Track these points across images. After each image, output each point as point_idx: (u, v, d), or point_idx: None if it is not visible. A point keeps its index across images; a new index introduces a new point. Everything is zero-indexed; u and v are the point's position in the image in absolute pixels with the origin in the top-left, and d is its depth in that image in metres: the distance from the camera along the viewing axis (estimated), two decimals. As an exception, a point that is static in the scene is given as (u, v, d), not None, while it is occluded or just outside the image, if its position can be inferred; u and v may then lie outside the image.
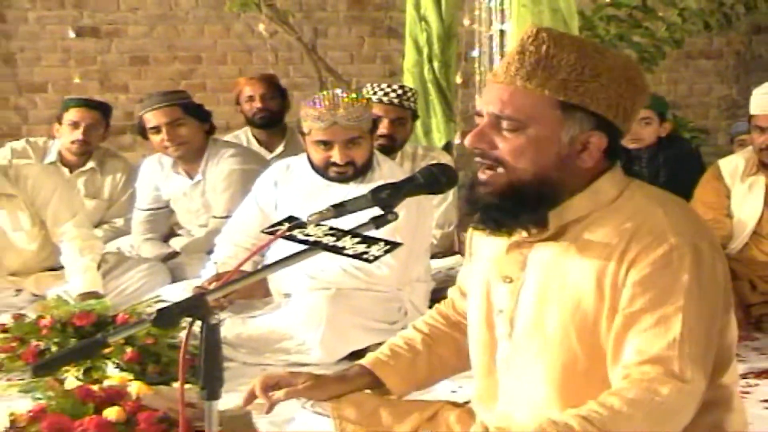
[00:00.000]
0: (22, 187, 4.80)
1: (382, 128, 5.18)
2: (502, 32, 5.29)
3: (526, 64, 2.13)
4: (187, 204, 5.52)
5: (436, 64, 6.34)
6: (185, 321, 2.00)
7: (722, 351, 2.16)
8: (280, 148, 6.08)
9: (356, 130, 4.21)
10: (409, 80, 6.31)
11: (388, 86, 5.41)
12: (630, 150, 5.45)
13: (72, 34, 7.73)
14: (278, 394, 2.43)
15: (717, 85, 8.97)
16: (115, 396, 2.94)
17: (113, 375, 3.50)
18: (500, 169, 2.15)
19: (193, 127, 5.29)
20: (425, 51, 6.35)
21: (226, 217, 5.07)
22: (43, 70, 7.73)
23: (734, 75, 8.93)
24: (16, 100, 7.72)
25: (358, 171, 4.28)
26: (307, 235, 2.19)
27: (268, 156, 6.01)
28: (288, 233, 2.20)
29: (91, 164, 5.78)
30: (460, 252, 5.32)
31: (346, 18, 8.20)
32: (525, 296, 2.20)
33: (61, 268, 4.83)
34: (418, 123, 5.86)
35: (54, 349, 3.81)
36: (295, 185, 4.44)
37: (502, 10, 5.26)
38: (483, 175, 2.17)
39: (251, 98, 6.10)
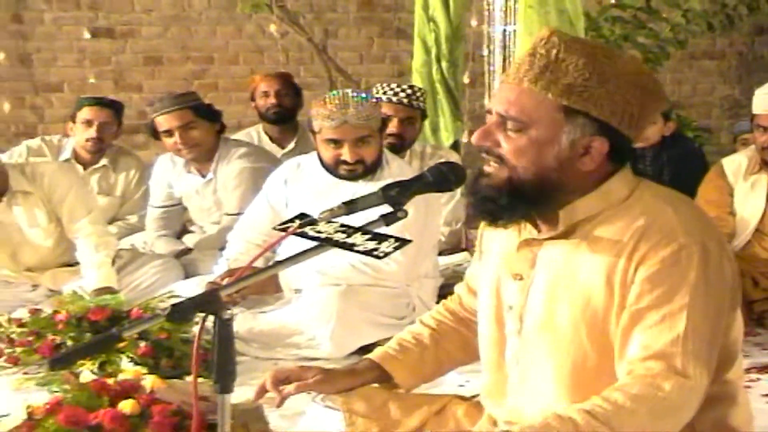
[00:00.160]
0: (38, 185, 4.80)
1: (392, 127, 5.18)
2: (509, 33, 5.28)
3: (535, 66, 2.13)
4: (199, 202, 5.53)
5: (444, 64, 6.34)
6: (198, 316, 2.01)
7: (728, 347, 2.16)
8: (291, 145, 6.09)
9: (366, 129, 4.21)
10: (417, 80, 6.31)
11: (398, 86, 5.41)
12: (635, 149, 5.43)
13: (87, 35, 7.74)
14: (289, 387, 2.43)
15: (720, 85, 8.95)
16: (130, 389, 2.94)
17: (127, 369, 3.50)
18: (502, 167, 2.15)
19: (205, 128, 5.29)
20: (433, 51, 6.34)
21: (238, 214, 5.07)
22: (59, 70, 7.74)
23: (737, 75, 8.91)
24: (32, 100, 7.73)
25: (368, 169, 4.28)
26: (318, 231, 2.20)
27: (280, 152, 6.02)
28: (299, 230, 2.20)
29: (104, 162, 5.78)
30: (467, 249, 5.32)
31: (356, 19, 8.19)
32: (535, 293, 2.20)
33: (77, 264, 4.84)
34: (427, 122, 5.85)
35: (70, 343, 3.81)
36: (305, 183, 4.43)
37: (509, 11, 5.26)
38: (488, 168, 2.18)
39: (266, 94, 6.11)
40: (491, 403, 2.36)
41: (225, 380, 1.99)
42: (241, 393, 2.20)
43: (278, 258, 4.15)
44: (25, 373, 3.76)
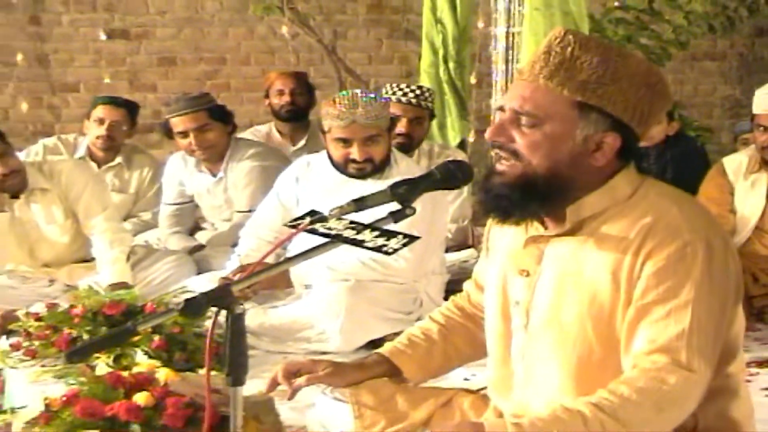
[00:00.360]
0: (56, 182, 4.81)
1: (401, 127, 5.17)
2: (515, 34, 5.27)
3: (550, 63, 2.14)
4: (210, 200, 5.53)
5: (451, 65, 6.33)
6: (211, 310, 2.01)
7: (730, 342, 2.17)
8: (302, 142, 6.09)
9: (374, 128, 4.21)
10: (425, 80, 6.30)
11: (407, 86, 5.40)
12: (639, 147, 5.42)
13: (103, 36, 7.74)
14: (300, 380, 2.44)
15: (721, 85, 8.93)
16: (144, 382, 2.93)
17: (142, 362, 3.50)
18: (516, 162, 2.15)
19: (219, 130, 5.30)
20: (441, 52, 6.34)
21: (248, 211, 5.07)
22: (76, 71, 7.74)
23: (737, 76, 8.89)
24: (49, 99, 7.73)
25: (377, 167, 4.28)
26: (329, 228, 2.20)
27: (290, 149, 6.02)
28: (310, 227, 2.20)
29: (118, 160, 5.79)
30: (474, 246, 5.32)
31: (365, 21, 8.18)
32: (541, 289, 2.20)
33: (93, 259, 4.85)
34: (434, 121, 5.84)
35: (85, 336, 3.81)
36: (315, 181, 4.43)
37: (515, 13, 5.25)
38: (500, 166, 2.18)
39: (281, 93, 6.11)
40: (498, 396, 2.37)
41: (237, 373, 1.99)
42: (253, 386, 2.20)
43: (289, 254, 4.15)
44: (43, 366, 3.76)
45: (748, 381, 3.55)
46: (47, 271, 4.88)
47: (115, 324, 3.79)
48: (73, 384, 3.12)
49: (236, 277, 4.05)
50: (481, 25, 6.26)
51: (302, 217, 2.27)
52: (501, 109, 2.21)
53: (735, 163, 5.02)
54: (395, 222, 2.17)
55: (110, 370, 3.29)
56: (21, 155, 5.18)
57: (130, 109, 5.83)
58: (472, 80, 6.32)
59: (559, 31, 2.19)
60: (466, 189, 5.23)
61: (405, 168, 4.31)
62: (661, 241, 2.07)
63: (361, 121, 4.17)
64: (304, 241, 2.62)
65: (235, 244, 4.81)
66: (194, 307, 1.99)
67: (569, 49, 2.14)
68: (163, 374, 3.05)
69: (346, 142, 4.23)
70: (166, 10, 7.86)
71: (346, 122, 4.18)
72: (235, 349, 1.98)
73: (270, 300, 4.38)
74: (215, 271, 4.82)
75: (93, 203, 4.84)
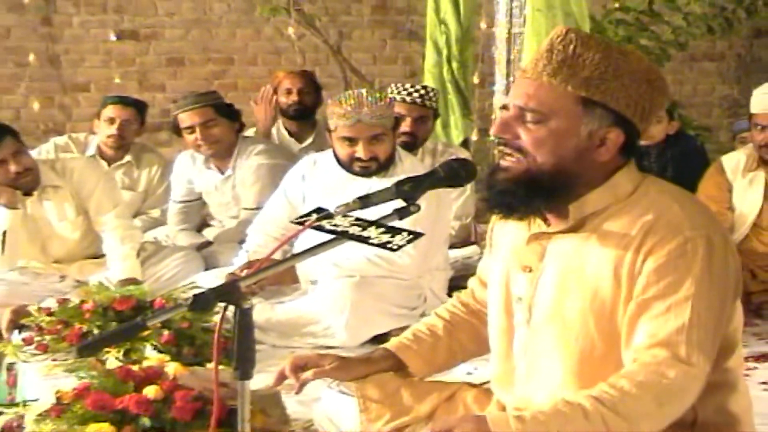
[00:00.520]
0: (68, 179, 4.81)
1: (405, 126, 5.17)
2: (517, 35, 5.27)
3: (553, 61, 2.13)
4: (218, 197, 5.53)
5: (454, 65, 6.33)
6: (219, 306, 2.01)
7: (729, 337, 2.17)
8: (309, 140, 6.08)
9: (379, 127, 4.21)
10: (429, 80, 6.30)
11: (411, 86, 5.39)
12: (640, 146, 5.43)
13: (113, 37, 7.74)
14: (307, 374, 2.44)
15: (719, 85, 8.92)
16: (153, 375, 2.94)
17: (151, 356, 3.50)
18: (521, 158, 2.15)
19: (225, 126, 5.30)
20: (444, 52, 6.33)
21: (256, 208, 5.07)
22: (86, 71, 7.75)
23: (735, 76, 8.88)
24: (60, 99, 7.74)
25: (381, 166, 4.27)
26: (335, 225, 2.20)
27: (297, 147, 6.02)
28: (316, 223, 2.20)
29: (128, 158, 5.79)
30: (477, 242, 5.31)
31: (370, 22, 8.18)
32: (544, 285, 2.20)
33: (103, 256, 4.85)
34: (438, 120, 5.84)
35: (96, 331, 3.81)
36: (321, 179, 4.43)
37: (517, 14, 5.24)
38: (504, 162, 2.18)
39: (289, 92, 6.10)
40: (500, 390, 2.36)
41: (245, 367, 1.99)
42: (260, 380, 2.20)
43: (295, 251, 4.15)
44: (54, 360, 3.76)
45: (747, 375, 3.55)
46: (58, 267, 4.88)
47: (125, 319, 3.79)
48: (83, 378, 3.12)
49: (244, 273, 4.05)
50: (483, 25, 6.25)
51: (309, 214, 2.27)
52: (505, 107, 2.21)
53: (733, 161, 5.02)
54: (400, 219, 2.17)
55: (120, 364, 3.29)
56: (33, 153, 5.17)
57: (139, 108, 5.84)
58: (475, 80, 6.32)
59: (561, 30, 2.19)
60: (469, 187, 5.22)
61: (409, 166, 4.30)
62: (662, 237, 2.07)
63: (367, 120, 4.17)
64: (310, 237, 2.62)
65: (242, 241, 4.81)
66: (203, 302, 1.99)
67: (571, 46, 2.14)
68: (172, 368, 3.06)
69: (351, 140, 4.22)
70: (175, 12, 7.86)
71: (352, 121, 4.17)
72: (242, 343, 1.98)
73: (277, 296, 4.38)
74: (223, 267, 4.82)
75: (104, 200, 4.84)
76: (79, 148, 5.86)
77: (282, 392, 2.84)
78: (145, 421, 2.74)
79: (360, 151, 4.21)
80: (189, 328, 3.71)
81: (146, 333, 3.55)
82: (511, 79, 5.25)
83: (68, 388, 2.94)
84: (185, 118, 5.24)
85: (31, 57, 7.49)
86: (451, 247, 4.93)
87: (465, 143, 6.27)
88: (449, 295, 4.29)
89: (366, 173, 4.26)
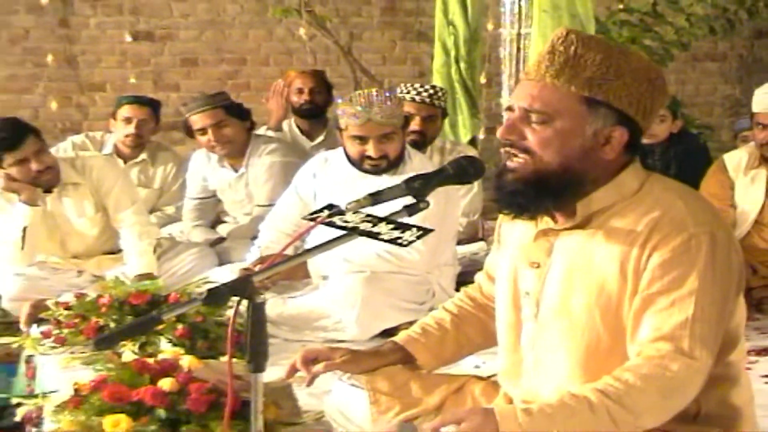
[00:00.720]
0: (87, 177, 4.82)
1: (414, 125, 5.17)
2: (524, 36, 5.26)
3: (556, 62, 2.13)
4: (232, 194, 5.54)
5: (462, 65, 6.31)
6: (233, 300, 2.01)
7: (731, 331, 2.17)
8: (320, 138, 6.08)
9: (389, 126, 4.20)
10: (437, 80, 6.29)
11: (421, 86, 5.39)
12: (644, 145, 5.42)
13: (128, 38, 7.75)
14: (318, 367, 2.44)
15: (721, 85, 8.89)
16: (169, 368, 2.94)
17: (166, 349, 3.50)
18: (528, 159, 2.14)
19: (236, 126, 5.31)
20: (452, 53, 6.33)
21: (268, 205, 5.08)
22: (102, 71, 7.75)
23: (737, 76, 8.85)
24: (77, 99, 7.74)
25: (391, 164, 4.27)
26: (346, 221, 2.20)
27: (309, 144, 6.03)
28: (328, 219, 2.20)
29: (143, 156, 5.80)
30: (484, 238, 5.31)
31: (380, 23, 8.17)
32: (551, 280, 2.20)
33: (120, 251, 4.85)
34: (446, 119, 5.83)
35: (112, 325, 3.81)
36: (332, 177, 4.43)
37: (523, 15, 5.24)
38: (511, 163, 2.17)
39: (300, 91, 6.10)
40: (508, 383, 2.36)
41: (258, 360, 1.99)
42: (272, 373, 2.20)
43: (307, 246, 4.15)
44: (72, 353, 3.77)
45: (748, 369, 3.54)
46: (76, 262, 4.89)
47: (141, 313, 3.80)
48: (101, 370, 3.13)
49: (257, 268, 4.05)
50: (490, 27, 6.24)
51: (320, 211, 2.27)
52: (510, 109, 2.20)
53: (735, 159, 5.00)
54: (409, 215, 2.17)
55: (136, 357, 3.29)
56: (51, 151, 5.18)
57: (155, 107, 5.85)
58: (482, 80, 6.32)
59: (562, 32, 2.19)
60: (476, 184, 5.22)
61: (418, 164, 4.30)
62: (667, 234, 2.07)
63: (377, 119, 4.16)
64: (321, 233, 2.61)
65: (255, 237, 4.81)
66: (217, 296, 1.99)
67: (572, 47, 2.13)
68: (186, 361, 3.06)
69: (362, 139, 4.22)
70: (189, 13, 7.87)
71: (362, 120, 4.17)
72: (255, 337, 1.98)
73: (289, 290, 4.38)
74: (236, 262, 4.83)
75: (123, 197, 4.84)
76: (96, 146, 5.87)
77: (294, 385, 2.84)
78: (161, 413, 2.74)
79: (370, 149, 4.21)
80: (203, 322, 3.71)
81: (161, 327, 3.56)
82: (518, 77, 5.24)
83: (86, 380, 2.95)
84: (197, 120, 5.25)
85: (49, 57, 7.51)
86: (459, 243, 4.93)
87: (473, 141, 6.27)
88: (457, 290, 4.28)
89: (376, 171, 4.26)
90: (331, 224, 2.20)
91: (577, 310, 2.15)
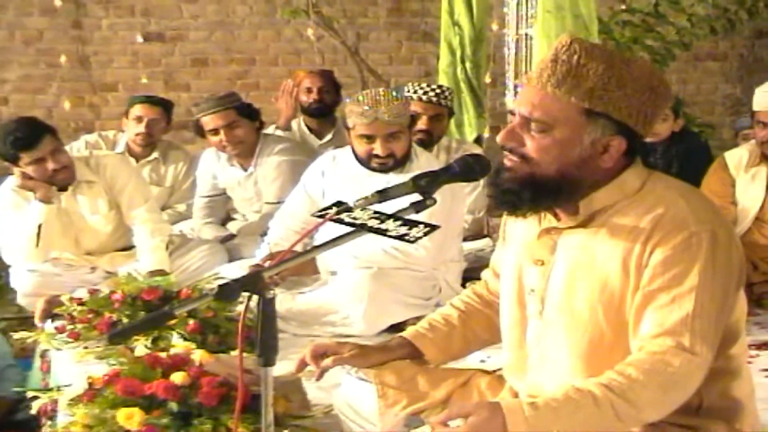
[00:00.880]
0: (101, 175, 4.83)
1: (421, 124, 5.17)
2: (528, 36, 5.25)
3: (558, 72, 2.12)
4: (241, 192, 5.55)
5: (467, 65, 6.31)
6: (243, 295, 2.01)
7: (732, 326, 2.17)
8: (329, 137, 6.08)
9: (396, 125, 4.20)
10: (443, 80, 6.29)
11: (428, 86, 5.39)
12: (646, 143, 5.42)
13: (140, 39, 7.76)
14: (327, 361, 2.44)
15: (722, 84, 8.88)
16: (180, 362, 2.94)
17: (178, 344, 3.51)
18: (524, 164, 2.14)
19: (247, 126, 5.32)
20: (458, 53, 6.32)
21: (277, 203, 5.08)
22: (115, 72, 7.76)
23: (738, 76, 8.84)
24: (90, 98, 7.75)
25: (398, 162, 4.27)
26: (354, 218, 2.19)
27: (317, 143, 6.03)
28: (336, 216, 2.20)
29: (155, 155, 5.81)
30: (489, 235, 5.30)
31: (386, 24, 8.17)
32: (555, 278, 2.20)
33: (132, 248, 4.86)
34: (452, 118, 5.83)
35: (125, 320, 3.83)
36: (340, 175, 4.43)
37: (527, 16, 5.22)
38: (508, 162, 2.17)
39: (309, 90, 6.10)
40: (513, 378, 2.37)
41: (268, 354, 1.99)
42: (282, 367, 2.20)
43: (316, 243, 4.15)
44: (86, 348, 3.78)
45: (749, 362, 3.52)
46: (89, 259, 4.89)
47: (153, 309, 3.81)
48: (114, 364, 3.14)
49: (266, 265, 4.06)
50: (495, 27, 6.23)
51: (329, 208, 2.27)
52: (512, 112, 2.21)
53: (736, 157, 4.99)
54: (417, 212, 2.17)
55: (148, 351, 3.30)
56: (64, 151, 5.20)
57: (166, 107, 5.86)
58: (487, 80, 6.30)
59: (565, 40, 2.17)
60: (482, 182, 5.20)
61: (425, 162, 4.30)
62: (668, 231, 2.07)
63: (384, 118, 4.16)
64: (330, 230, 2.62)
65: (264, 234, 4.81)
66: (228, 292, 2.00)
67: (575, 57, 2.12)
68: (198, 355, 3.06)
69: (369, 138, 4.22)
70: (199, 15, 7.88)
71: (369, 120, 4.17)
72: (265, 331, 1.98)
73: (298, 286, 4.38)
74: (246, 258, 4.83)
75: (136, 195, 4.85)
76: (109, 145, 5.88)
77: (303, 379, 2.84)
78: (173, 406, 2.75)
79: (377, 148, 4.21)
80: (214, 317, 3.72)
81: (173, 322, 3.57)
82: (522, 77, 5.23)
83: (99, 374, 2.96)
84: (209, 121, 5.25)
85: (63, 58, 7.52)
86: (465, 239, 4.93)
87: (478, 140, 6.26)
88: (463, 285, 4.29)
89: (383, 169, 4.26)
90: (340, 221, 2.20)
91: (581, 306, 2.15)
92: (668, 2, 7.65)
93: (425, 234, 2.17)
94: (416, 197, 2.18)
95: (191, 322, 3.65)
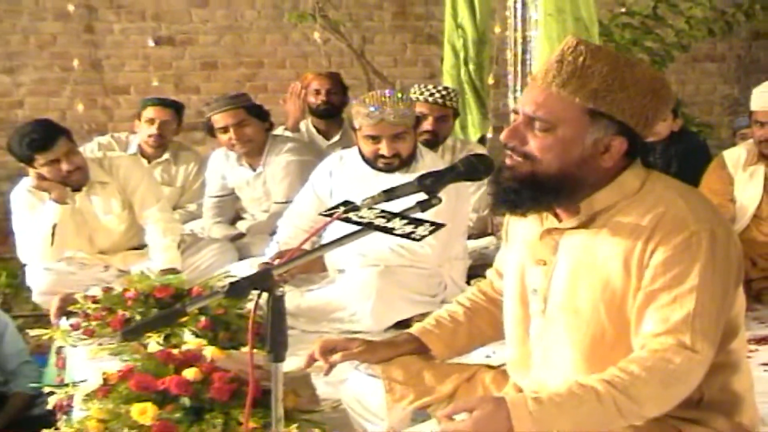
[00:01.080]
0: (115, 176, 4.84)
1: (427, 125, 5.17)
2: (529, 38, 5.24)
3: (563, 72, 2.12)
4: (250, 192, 5.54)
5: (471, 67, 6.31)
6: (253, 293, 2.01)
7: (731, 321, 2.17)
8: (336, 137, 6.08)
9: (401, 126, 4.20)
10: (447, 81, 6.29)
11: (434, 87, 5.38)
12: (646, 143, 5.40)
13: (151, 43, 7.77)
14: (335, 356, 2.44)
15: (720, 85, 8.87)
16: (192, 359, 2.94)
17: (190, 340, 3.51)
18: (527, 162, 2.14)
19: (256, 126, 5.32)
20: (461, 55, 6.32)
21: (286, 202, 5.07)
22: (126, 75, 7.77)
23: (736, 76, 8.83)
24: (102, 101, 7.77)
25: (404, 162, 4.27)
26: (361, 217, 2.20)
27: (325, 143, 6.03)
28: (344, 215, 2.20)
29: (166, 156, 5.82)
30: (493, 233, 5.30)
31: (391, 27, 8.17)
32: (557, 278, 2.20)
33: (145, 247, 4.86)
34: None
35: (138, 317, 3.83)
36: (347, 174, 4.43)
37: (529, 19, 5.22)
38: (509, 161, 2.17)
39: (317, 92, 6.11)
40: (516, 374, 2.37)
41: (278, 351, 1.99)
42: (291, 362, 2.20)
43: (323, 241, 4.15)
44: (100, 344, 3.78)
45: (748, 357, 3.52)
46: (103, 257, 4.90)
47: (165, 306, 3.81)
48: (127, 360, 3.14)
49: (276, 263, 4.06)
50: (498, 30, 6.23)
51: (336, 207, 2.27)
52: (516, 111, 2.20)
53: (734, 156, 4.99)
54: (422, 211, 2.17)
55: (161, 348, 3.30)
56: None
57: (177, 109, 5.87)
58: (490, 81, 6.30)
59: (572, 41, 2.17)
60: (486, 181, 5.20)
61: (430, 162, 4.29)
62: (669, 231, 2.07)
63: (389, 119, 4.16)
64: (337, 229, 2.62)
65: (273, 233, 4.81)
66: (238, 289, 2.00)
67: (581, 58, 2.12)
68: (209, 352, 3.06)
69: (375, 138, 4.22)
70: (209, 19, 7.89)
71: (375, 120, 4.17)
72: (275, 328, 1.98)
73: (306, 284, 4.38)
74: (255, 257, 4.83)
75: (148, 195, 4.86)
76: (121, 146, 5.89)
77: (312, 374, 2.84)
78: (186, 401, 2.75)
79: (383, 148, 4.21)
80: (225, 314, 3.71)
81: (185, 319, 3.56)
82: (524, 78, 5.23)
83: (113, 370, 2.96)
84: (219, 119, 5.25)
85: (76, 62, 7.54)
86: (469, 237, 4.92)
87: (482, 140, 6.26)
88: (468, 283, 4.28)
89: (389, 169, 4.26)
90: (347, 220, 2.20)
91: (583, 305, 2.15)
92: (667, 5, 7.65)
93: (431, 232, 2.17)
94: (422, 196, 2.18)
95: (202, 319, 3.64)
